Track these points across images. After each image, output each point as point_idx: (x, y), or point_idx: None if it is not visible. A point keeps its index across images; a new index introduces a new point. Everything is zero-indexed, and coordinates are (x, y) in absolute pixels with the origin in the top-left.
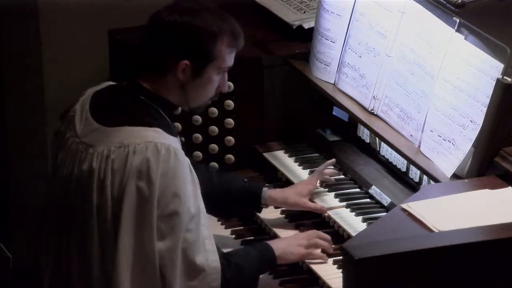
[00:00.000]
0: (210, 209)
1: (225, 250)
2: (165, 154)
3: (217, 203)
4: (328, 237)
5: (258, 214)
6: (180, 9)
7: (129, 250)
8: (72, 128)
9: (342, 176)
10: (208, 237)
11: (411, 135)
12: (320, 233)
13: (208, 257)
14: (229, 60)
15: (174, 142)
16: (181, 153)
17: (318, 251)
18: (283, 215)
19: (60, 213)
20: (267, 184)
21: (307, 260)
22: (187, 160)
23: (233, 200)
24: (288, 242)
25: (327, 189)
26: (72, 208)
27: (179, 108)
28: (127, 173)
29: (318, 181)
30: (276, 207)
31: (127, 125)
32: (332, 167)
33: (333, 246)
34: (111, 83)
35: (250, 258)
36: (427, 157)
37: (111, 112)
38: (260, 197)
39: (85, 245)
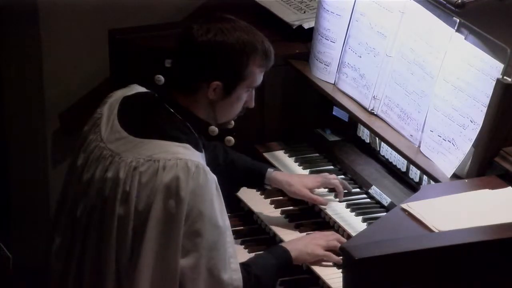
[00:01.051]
0: None
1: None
2: (195, 171)
3: (221, 179)
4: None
5: (258, 214)
6: (214, 28)
7: (151, 266)
8: (97, 131)
9: (342, 176)
10: (233, 255)
11: (411, 135)
12: (340, 236)
13: (232, 276)
14: (259, 79)
15: (201, 159)
16: (208, 170)
17: (334, 256)
18: (283, 215)
19: (76, 217)
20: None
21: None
22: (214, 177)
23: (237, 177)
24: (305, 242)
25: (327, 189)
26: (90, 212)
27: (215, 129)
28: (156, 189)
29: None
30: (276, 207)
31: (156, 138)
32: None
33: None
34: (140, 89)
35: (268, 267)
36: (427, 157)
37: (140, 122)
38: (264, 177)
39: (101, 254)
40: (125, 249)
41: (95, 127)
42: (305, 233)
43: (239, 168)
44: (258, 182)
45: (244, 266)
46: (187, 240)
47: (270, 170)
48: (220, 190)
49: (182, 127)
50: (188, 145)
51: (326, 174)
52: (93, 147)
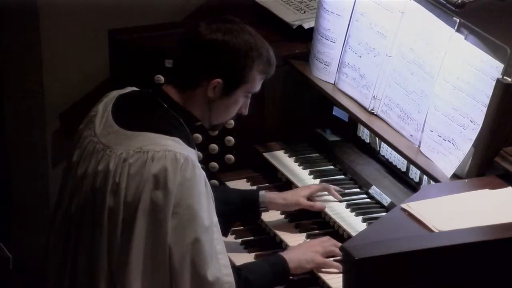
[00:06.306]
0: None
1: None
2: (183, 164)
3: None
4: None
5: None
6: (222, 28)
7: (141, 257)
8: (92, 128)
9: (342, 176)
10: (221, 251)
11: (411, 135)
12: (336, 242)
13: (222, 270)
14: (258, 85)
15: (192, 154)
16: (198, 165)
17: (333, 262)
18: (283, 215)
19: (71, 212)
20: (262, 190)
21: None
22: (203, 174)
23: (232, 209)
24: (302, 250)
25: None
26: (83, 207)
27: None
28: (144, 180)
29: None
30: None
31: (147, 131)
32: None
33: None
34: (135, 88)
35: (261, 272)
36: (427, 157)
37: (132, 116)
38: (258, 202)
39: (93, 247)
40: (116, 241)
41: (90, 124)
42: (305, 233)
43: (231, 198)
44: (253, 208)
45: (235, 269)
46: (174, 233)
47: (261, 193)
48: (209, 187)
49: (174, 122)
50: (178, 139)
51: (322, 184)
52: (87, 143)
